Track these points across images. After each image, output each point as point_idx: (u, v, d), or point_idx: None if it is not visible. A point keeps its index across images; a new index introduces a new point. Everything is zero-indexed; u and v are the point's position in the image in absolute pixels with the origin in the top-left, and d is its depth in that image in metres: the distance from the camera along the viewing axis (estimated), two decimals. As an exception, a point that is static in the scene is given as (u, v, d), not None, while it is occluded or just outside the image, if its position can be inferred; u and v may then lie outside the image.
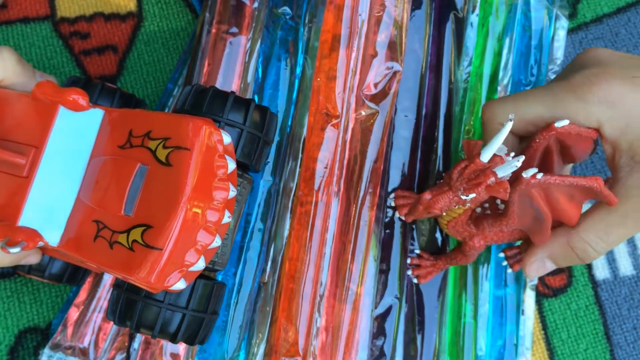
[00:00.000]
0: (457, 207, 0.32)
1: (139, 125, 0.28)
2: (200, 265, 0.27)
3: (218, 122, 0.30)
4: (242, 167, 0.32)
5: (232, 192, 0.27)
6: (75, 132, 0.29)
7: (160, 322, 0.29)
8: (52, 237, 0.28)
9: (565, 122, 0.31)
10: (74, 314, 0.37)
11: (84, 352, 0.37)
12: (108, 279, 0.38)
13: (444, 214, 0.34)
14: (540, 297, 0.43)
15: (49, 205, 0.28)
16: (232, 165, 0.28)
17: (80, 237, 0.28)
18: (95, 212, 0.28)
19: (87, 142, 0.29)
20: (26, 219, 0.28)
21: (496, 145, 0.29)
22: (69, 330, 0.37)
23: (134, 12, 0.45)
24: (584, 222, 0.33)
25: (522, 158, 0.29)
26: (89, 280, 0.38)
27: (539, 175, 0.30)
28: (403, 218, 0.37)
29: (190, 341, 0.30)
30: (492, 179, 0.29)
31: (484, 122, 0.34)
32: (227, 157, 0.27)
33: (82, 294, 0.37)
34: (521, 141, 0.35)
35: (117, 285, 0.31)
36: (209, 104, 0.30)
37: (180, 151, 0.26)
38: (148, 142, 0.27)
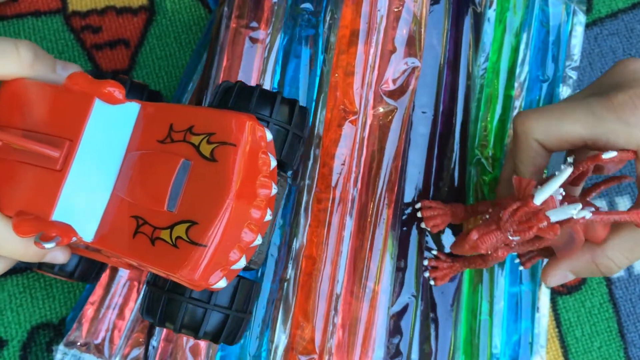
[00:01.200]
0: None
1: (180, 119, 0.27)
2: (242, 263, 0.26)
3: (267, 123, 0.30)
4: (279, 165, 0.31)
5: (274, 190, 0.27)
6: (111, 125, 0.28)
7: (206, 323, 0.29)
8: (87, 232, 0.28)
9: (613, 154, 0.30)
10: (88, 311, 0.37)
11: (98, 348, 0.37)
12: (123, 276, 0.37)
13: (470, 225, 0.34)
14: (554, 295, 0.42)
15: (84, 200, 0.28)
16: (273, 163, 0.27)
17: (117, 233, 0.27)
18: (133, 207, 0.27)
19: (123, 136, 0.28)
20: (60, 214, 0.27)
21: (553, 189, 0.28)
22: (84, 327, 0.37)
23: (146, 5, 0.45)
24: (610, 240, 0.33)
25: (579, 207, 0.28)
26: (103, 277, 0.37)
27: (589, 215, 0.29)
28: (429, 229, 0.37)
29: (229, 341, 0.30)
30: (545, 223, 0.28)
31: (517, 135, 0.33)
32: (269, 154, 0.27)
33: (97, 291, 0.37)
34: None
35: (154, 284, 0.30)
36: (257, 102, 0.30)
37: (226, 147, 0.26)
38: (191, 137, 0.26)
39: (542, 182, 0.30)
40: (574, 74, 0.43)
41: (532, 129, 0.32)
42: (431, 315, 0.38)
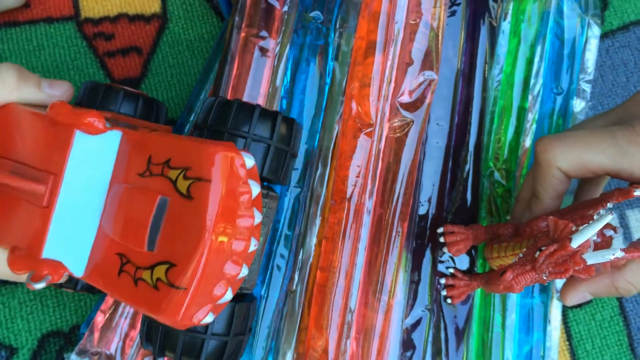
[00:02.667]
0: (510, 255, 0.32)
1: (159, 151, 0.26)
2: (229, 296, 0.26)
3: (245, 139, 0.29)
4: (267, 181, 0.31)
5: (258, 218, 0.26)
6: (93, 156, 0.28)
7: (205, 352, 0.28)
8: (77, 268, 0.27)
9: None
10: (100, 319, 0.37)
11: (110, 358, 0.36)
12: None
13: (495, 253, 0.34)
14: (565, 308, 0.42)
15: (72, 236, 0.27)
16: (256, 190, 0.26)
17: (104, 270, 0.27)
18: (117, 244, 0.26)
19: (106, 166, 0.28)
20: (50, 250, 0.27)
21: (591, 233, 0.28)
22: (96, 335, 0.37)
23: (159, 13, 0.45)
24: (630, 265, 0.33)
25: (619, 253, 0.28)
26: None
27: (621, 254, 0.29)
28: (451, 255, 0.37)
29: None
30: (582, 266, 0.28)
31: (539, 162, 0.33)
32: (250, 181, 0.26)
33: (109, 300, 0.37)
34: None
35: None
36: (234, 118, 0.29)
37: (201, 183, 0.25)
38: (168, 171, 0.26)
39: (579, 223, 0.29)
40: (588, 87, 0.43)
41: (555, 157, 0.32)
42: (444, 328, 0.37)
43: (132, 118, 0.33)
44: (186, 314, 0.25)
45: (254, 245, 0.26)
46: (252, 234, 0.26)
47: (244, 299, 0.31)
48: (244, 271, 0.26)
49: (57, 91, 0.32)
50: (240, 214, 0.25)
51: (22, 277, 0.30)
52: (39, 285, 0.26)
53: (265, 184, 0.31)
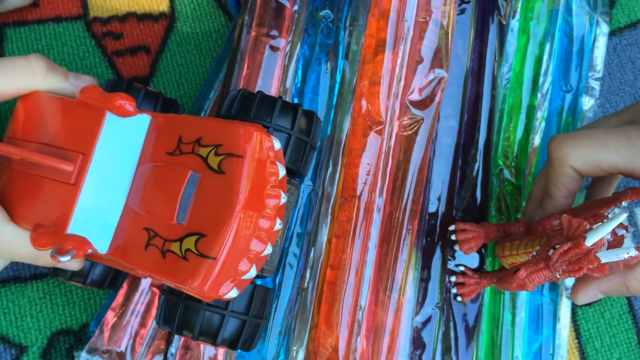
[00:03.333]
0: (522, 254, 0.32)
1: (189, 131, 0.27)
2: (252, 273, 0.27)
3: (267, 128, 0.30)
4: (289, 172, 0.31)
5: (283, 199, 0.27)
6: (123, 138, 0.29)
7: (223, 331, 0.29)
8: (101, 244, 0.28)
9: None
10: (110, 317, 0.37)
11: (120, 356, 0.36)
12: (146, 283, 0.37)
13: (507, 252, 0.34)
14: (574, 306, 0.42)
15: (98, 213, 0.28)
16: (282, 172, 0.27)
17: (130, 244, 0.27)
18: (145, 219, 0.27)
19: (135, 148, 0.29)
20: (75, 227, 0.28)
21: (605, 232, 0.28)
22: (106, 334, 0.37)
23: (167, 12, 0.45)
24: None
25: (633, 252, 0.28)
26: (125, 284, 0.37)
27: (635, 253, 0.29)
28: (462, 252, 0.37)
29: (246, 347, 0.30)
30: (595, 264, 0.28)
31: (552, 160, 0.33)
32: (277, 163, 0.27)
33: (119, 298, 0.37)
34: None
35: (170, 292, 0.30)
36: (257, 109, 0.30)
37: (233, 158, 0.26)
38: (199, 149, 0.27)
39: (592, 221, 0.29)
40: (597, 85, 0.43)
41: (569, 156, 0.32)
42: (453, 326, 0.37)
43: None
44: (214, 284, 0.25)
45: (278, 224, 0.27)
46: (278, 214, 0.27)
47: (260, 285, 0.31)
48: (268, 249, 0.27)
49: (82, 83, 0.33)
50: (268, 192, 0.26)
51: (41, 259, 0.30)
52: (64, 259, 0.27)
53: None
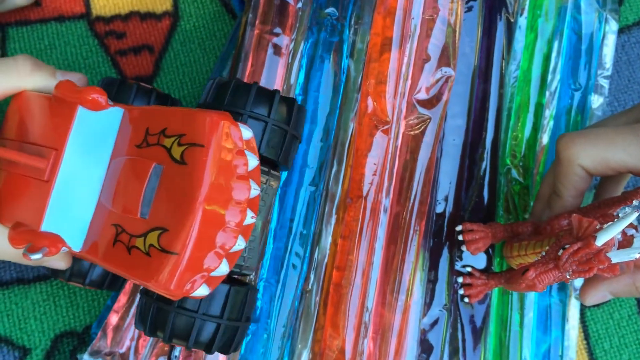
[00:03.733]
0: (531, 254, 0.32)
1: (156, 122, 0.27)
2: (223, 269, 0.26)
3: (240, 115, 0.29)
4: (269, 163, 0.30)
5: (255, 191, 0.26)
6: (95, 132, 0.28)
7: (195, 333, 0.28)
8: (75, 242, 0.27)
9: None
10: (113, 319, 0.37)
11: (124, 358, 0.36)
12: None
13: (515, 252, 0.33)
14: (583, 307, 0.42)
15: (71, 209, 0.28)
16: (253, 162, 0.26)
17: (101, 241, 0.27)
18: (114, 215, 0.26)
19: (108, 142, 0.28)
20: (48, 224, 0.27)
21: (616, 231, 0.27)
22: (109, 336, 0.36)
23: (170, 11, 0.44)
24: None
25: None
26: (128, 285, 0.37)
27: None
28: (469, 252, 0.36)
29: (224, 350, 0.29)
30: (606, 264, 0.28)
31: (560, 159, 0.33)
32: (248, 153, 0.26)
33: (122, 299, 0.37)
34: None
35: (146, 292, 0.30)
36: (230, 96, 0.29)
37: (195, 148, 0.25)
38: (164, 139, 0.26)
39: (602, 221, 0.29)
40: (605, 83, 0.42)
41: (578, 155, 0.32)
42: (461, 327, 0.37)
43: None
44: (179, 281, 0.24)
45: (250, 218, 0.26)
46: (249, 206, 0.26)
47: (244, 284, 0.30)
48: (240, 244, 0.26)
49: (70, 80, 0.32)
50: (235, 183, 0.25)
51: (26, 260, 0.30)
52: (35, 257, 0.26)
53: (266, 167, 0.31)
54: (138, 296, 0.37)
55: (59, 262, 0.31)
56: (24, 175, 0.29)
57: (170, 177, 0.25)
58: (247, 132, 0.26)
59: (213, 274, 0.25)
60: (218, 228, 0.25)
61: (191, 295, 0.25)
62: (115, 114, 0.28)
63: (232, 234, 0.25)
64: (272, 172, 0.30)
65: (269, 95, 0.29)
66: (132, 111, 0.28)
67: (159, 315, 0.29)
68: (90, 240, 0.27)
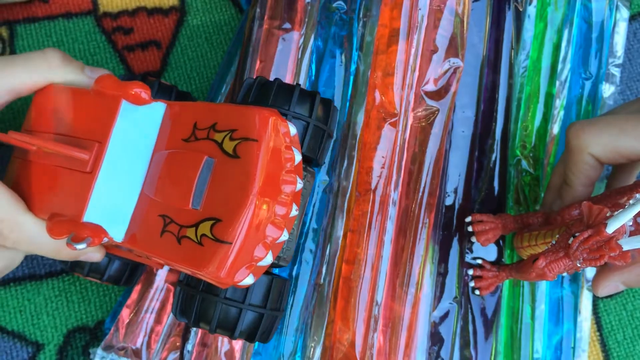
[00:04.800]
0: (542, 244, 0.31)
1: (204, 117, 0.27)
2: (269, 259, 0.26)
3: (285, 115, 0.29)
4: (306, 160, 0.31)
5: (299, 185, 0.27)
6: (138, 126, 0.29)
7: (241, 324, 0.29)
8: (117, 232, 0.28)
9: None
10: (126, 314, 0.37)
11: (136, 353, 0.36)
12: (160, 280, 0.37)
13: (525, 242, 0.33)
14: (595, 298, 0.41)
15: (113, 201, 0.28)
16: (298, 157, 0.27)
17: (146, 232, 0.27)
18: (161, 206, 0.27)
19: (150, 135, 0.29)
20: (91, 215, 0.28)
21: (627, 218, 0.27)
22: (121, 331, 0.37)
23: (177, 6, 0.44)
24: None
25: None
26: (140, 280, 0.37)
27: None
28: (479, 243, 0.36)
29: (263, 339, 0.30)
30: (617, 252, 0.28)
31: (571, 148, 0.33)
32: (293, 148, 0.27)
33: (134, 295, 0.37)
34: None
35: (187, 284, 0.30)
36: (274, 96, 0.30)
37: (248, 142, 0.26)
38: (214, 134, 0.26)
39: (613, 209, 0.29)
40: (617, 71, 0.42)
41: (588, 143, 0.32)
42: (472, 320, 0.37)
43: None
44: (230, 269, 0.25)
45: (295, 211, 0.27)
46: (294, 200, 0.26)
47: (274, 275, 0.31)
48: (284, 236, 0.26)
49: (98, 75, 0.33)
50: (284, 177, 0.26)
51: (62, 253, 0.30)
52: (80, 246, 0.26)
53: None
54: (150, 292, 0.37)
55: (96, 254, 0.32)
56: (57, 166, 0.29)
57: (222, 170, 0.26)
58: (292, 129, 0.27)
59: (259, 264, 0.26)
60: (268, 219, 0.26)
61: (238, 284, 0.26)
62: (156, 108, 0.29)
63: (280, 225, 0.26)
64: (309, 168, 0.31)
65: (310, 96, 0.30)
66: (174, 106, 0.29)
67: (204, 306, 0.29)
68: (131, 230, 0.28)
